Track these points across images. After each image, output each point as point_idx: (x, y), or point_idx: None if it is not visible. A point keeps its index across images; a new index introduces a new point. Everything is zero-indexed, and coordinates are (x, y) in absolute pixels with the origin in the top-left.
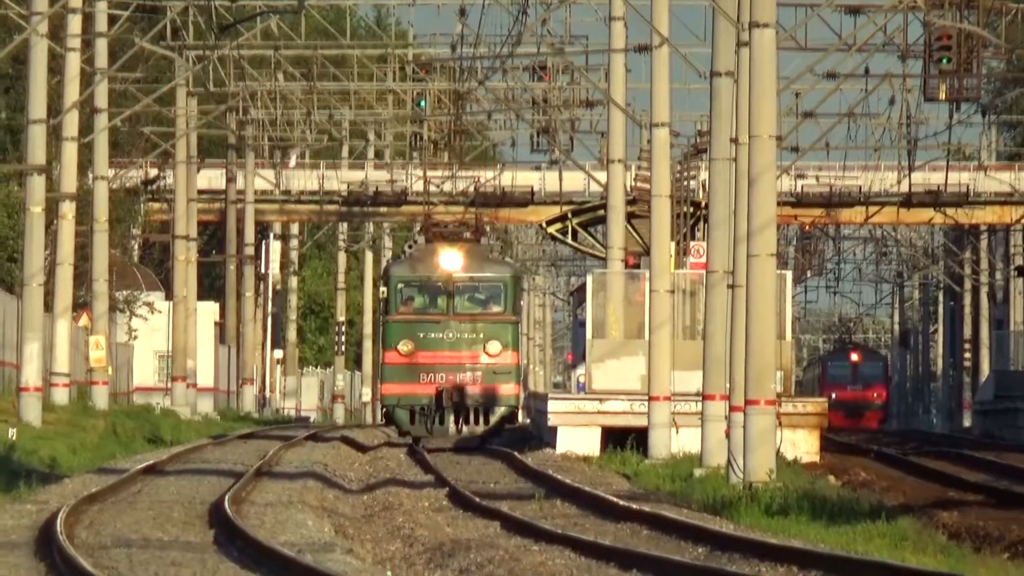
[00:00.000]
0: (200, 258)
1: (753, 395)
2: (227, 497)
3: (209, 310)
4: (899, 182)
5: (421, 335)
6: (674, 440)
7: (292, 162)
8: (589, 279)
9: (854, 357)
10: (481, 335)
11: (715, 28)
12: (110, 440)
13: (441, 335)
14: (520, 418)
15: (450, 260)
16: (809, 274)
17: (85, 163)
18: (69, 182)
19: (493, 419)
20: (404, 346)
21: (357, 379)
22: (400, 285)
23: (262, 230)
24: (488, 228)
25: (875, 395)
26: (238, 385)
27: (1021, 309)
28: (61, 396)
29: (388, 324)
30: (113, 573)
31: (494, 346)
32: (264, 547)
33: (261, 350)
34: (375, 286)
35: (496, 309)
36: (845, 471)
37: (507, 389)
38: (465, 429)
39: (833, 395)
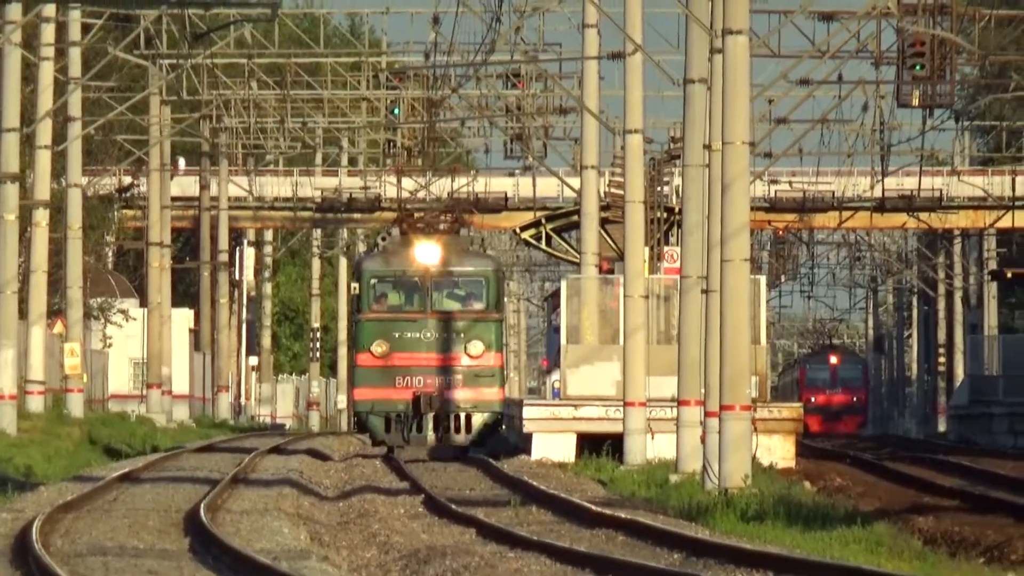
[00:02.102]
0: (174, 265)
1: (728, 400)
2: (203, 505)
3: (184, 317)
4: (872, 187)
5: (396, 335)
6: (649, 446)
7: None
8: (563, 284)
9: (833, 360)
10: (462, 335)
11: (688, 35)
12: (85, 448)
13: (418, 335)
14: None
15: (427, 253)
16: (783, 279)
17: (59, 171)
18: (43, 190)
19: (475, 426)
20: (378, 347)
21: (332, 386)
22: (373, 281)
23: (236, 237)
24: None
25: (855, 398)
26: (213, 392)
27: (995, 313)
28: (36, 404)
29: (361, 323)
30: None
31: (476, 346)
32: (240, 555)
33: (236, 357)
34: (349, 292)
35: (478, 306)
36: (821, 476)
37: (490, 393)
38: (445, 438)
39: (812, 399)
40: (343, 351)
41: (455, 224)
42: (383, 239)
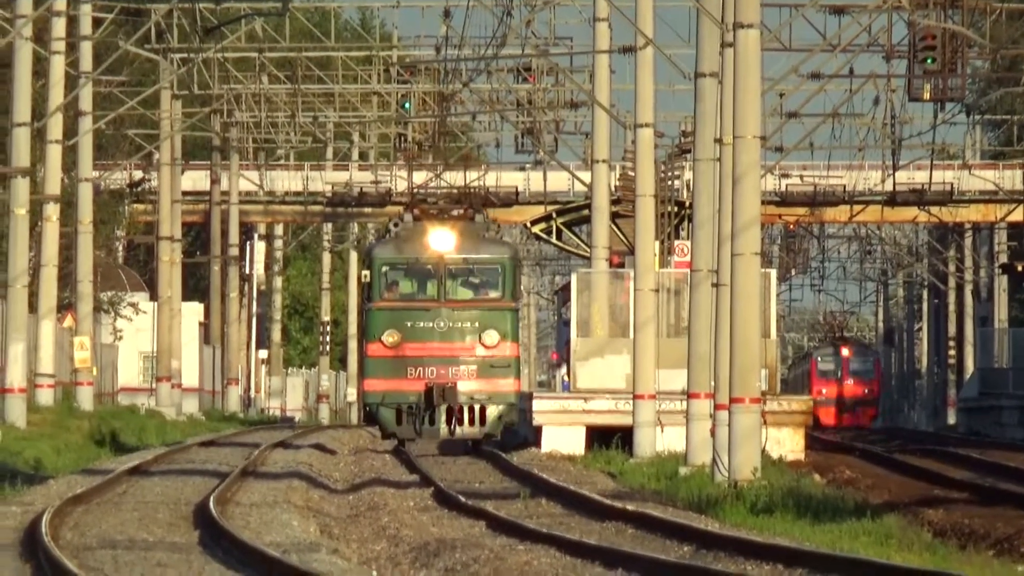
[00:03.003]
0: (185, 259)
1: (738, 393)
2: (212, 498)
3: (194, 311)
4: (883, 181)
5: (408, 324)
6: (659, 439)
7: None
8: (574, 278)
9: (845, 351)
10: (476, 324)
11: (699, 29)
12: (91, 442)
13: (431, 324)
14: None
15: (441, 240)
16: (794, 272)
17: (69, 165)
18: (53, 184)
19: (490, 419)
20: (389, 337)
21: (342, 379)
22: (384, 268)
23: (246, 231)
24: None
25: (867, 391)
26: (223, 385)
27: (1005, 306)
28: (46, 397)
29: (371, 312)
30: (99, 574)
31: (491, 336)
32: (249, 548)
33: (246, 350)
34: (360, 280)
35: (493, 294)
36: (830, 469)
37: (505, 385)
38: (458, 430)
39: (823, 391)
40: (353, 344)
41: (470, 210)
42: (395, 225)
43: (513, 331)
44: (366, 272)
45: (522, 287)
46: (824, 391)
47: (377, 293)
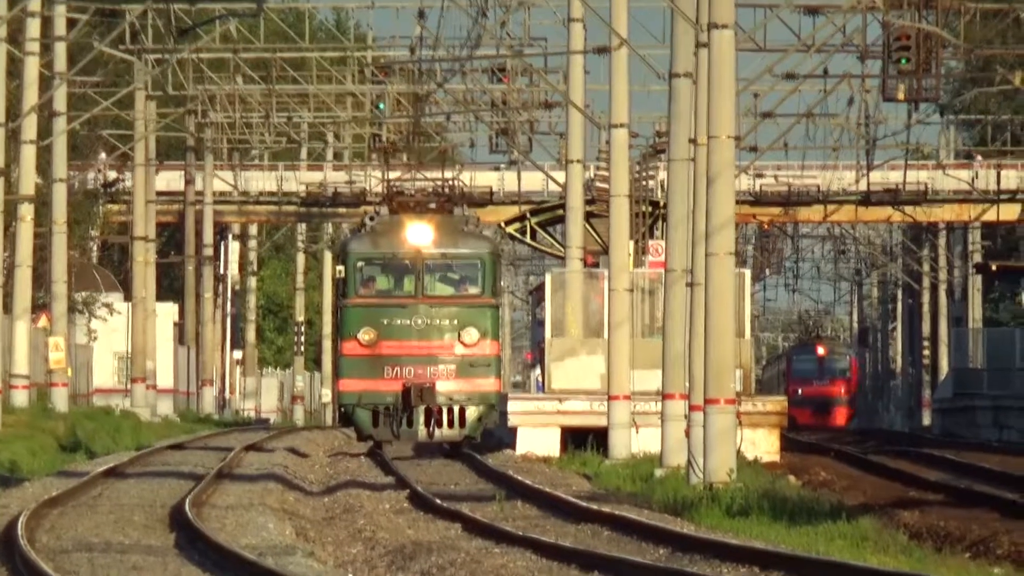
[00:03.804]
0: (159, 259)
1: (712, 394)
2: (188, 500)
3: (168, 311)
4: (857, 181)
5: (385, 322)
6: (634, 440)
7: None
8: (548, 278)
9: (821, 351)
10: (455, 321)
11: (674, 29)
12: (70, 442)
13: (408, 321)
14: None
15: (418, 233)
16: (768, 272)
17: (44, 166)
18: (28, 184)
19: (469, 420)
20: (365, 335)
21: (316, 380)
22: (360, 263)
23: (221, 231)
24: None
25: (843, 390)
26: (198, 386)
27: (979, 306)
28: (20, 398)
29: (346, 309)
30: None
31: (470, 334)
32: (225, 550)
33: (220, 351)
34: (334, 276)
35: (473, 291)
36: (805, 471)
37: (486, 384)
38: (437, 432)
39: (799, 391)
40: (327, 344)
41: (448, 202)
42: (371, 219)
43: (493, 329)
44: (340, 267)
45: (503, 282)
46: (800, 391)
47: (352, 289)
